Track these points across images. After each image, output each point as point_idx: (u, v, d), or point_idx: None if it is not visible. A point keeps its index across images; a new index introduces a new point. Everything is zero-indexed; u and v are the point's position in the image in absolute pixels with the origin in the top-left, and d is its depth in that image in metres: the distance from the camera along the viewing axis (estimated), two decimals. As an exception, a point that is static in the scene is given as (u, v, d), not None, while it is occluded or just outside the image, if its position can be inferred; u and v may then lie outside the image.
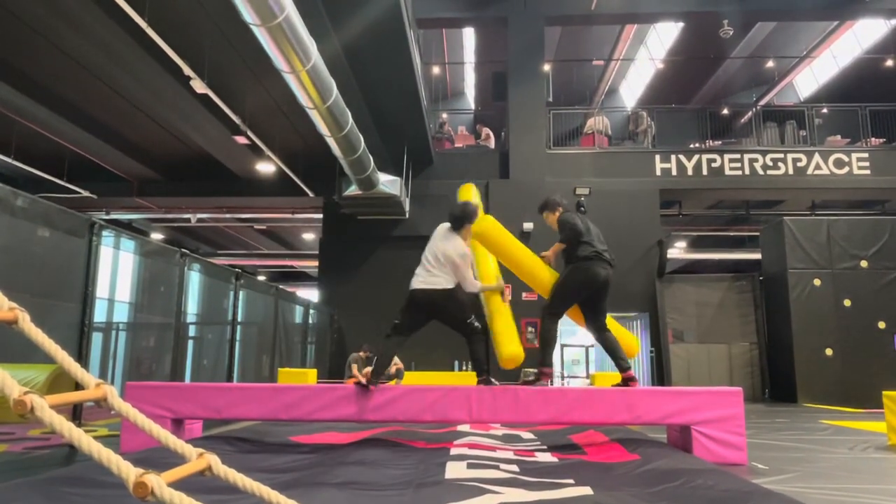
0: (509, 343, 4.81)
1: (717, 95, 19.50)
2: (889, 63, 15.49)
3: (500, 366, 4.88)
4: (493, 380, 4.64)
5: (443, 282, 4.59)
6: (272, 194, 14.81)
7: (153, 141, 13.01)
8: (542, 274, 5.10)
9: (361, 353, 9.79)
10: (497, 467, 3.65)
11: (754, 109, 15.88)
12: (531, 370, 12.16)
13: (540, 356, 4.82)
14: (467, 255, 4.70)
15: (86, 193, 14.35)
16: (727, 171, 13.96)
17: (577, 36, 18.41)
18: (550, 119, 14.43)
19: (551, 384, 4.77)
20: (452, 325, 4.70)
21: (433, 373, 11.38)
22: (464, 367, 12.66)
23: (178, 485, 1.65)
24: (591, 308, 4.90)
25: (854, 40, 16.95)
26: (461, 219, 4.78)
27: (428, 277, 4.62)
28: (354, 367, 9.51)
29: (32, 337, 1.87)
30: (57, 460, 4.02)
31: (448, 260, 4.60)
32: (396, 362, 10.21)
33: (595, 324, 4.90)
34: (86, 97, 10.91)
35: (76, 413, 5.01)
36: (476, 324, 4.62)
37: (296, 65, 6.92)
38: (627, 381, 4.64)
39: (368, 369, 9.54)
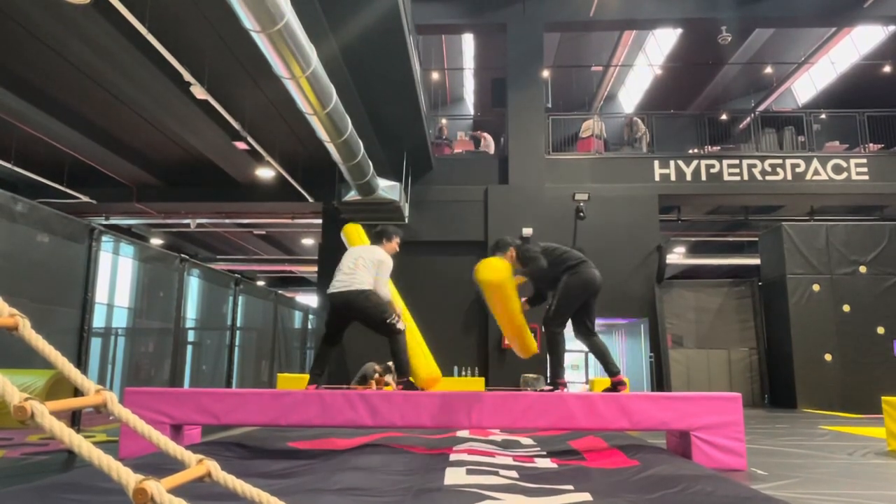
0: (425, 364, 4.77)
1: (716, 101, 19.55)
2: (887, 69, 15.55)
3: (419, 385, 4.77)
4: (416, 386, 4.73)
5: (358, 283, 4.76)
6: (272, 199, 14.81)
7: (153, 146, 13.03)
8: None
9: (377, 367, 9.63)
10: (496, 473, 3.65)
11: (753, 115, 15.92)
12: (530, 375, 12.11)
13: (552, 368, 4.82)
14: (386, 261, 4.94)
15: (85, 199, 14.35)
16: (726, 177, 13.99)
17: (575, 42, 18.46)
18: (549, 125, 14.46)
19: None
20: (372, 326, 4.80)
21: (432, 378, 11.35)
22: (463, 373, 12.66)
23: (177, 491, 1.65)
24: (584, 311, 4.93)
25: (852, 46, 17.01)
26: (380, 234, 5.22)
27: (344, 279, 4.83)
28: (372, 382, 9.38)
29: (32, 343, 1.87)
30: (55, 466, 4.02)
31: (371, 261, 4.85)
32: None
33: (585, 327, 4.93)
34: (85, 102, 10.93)
35: (75, 419, 5.00)
36: (399, 324, 4.66)
37: (295, 71, 6.94)
38: (616, 385, 4.68)
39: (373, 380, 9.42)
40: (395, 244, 5.22)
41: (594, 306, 4.98)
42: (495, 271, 4.80)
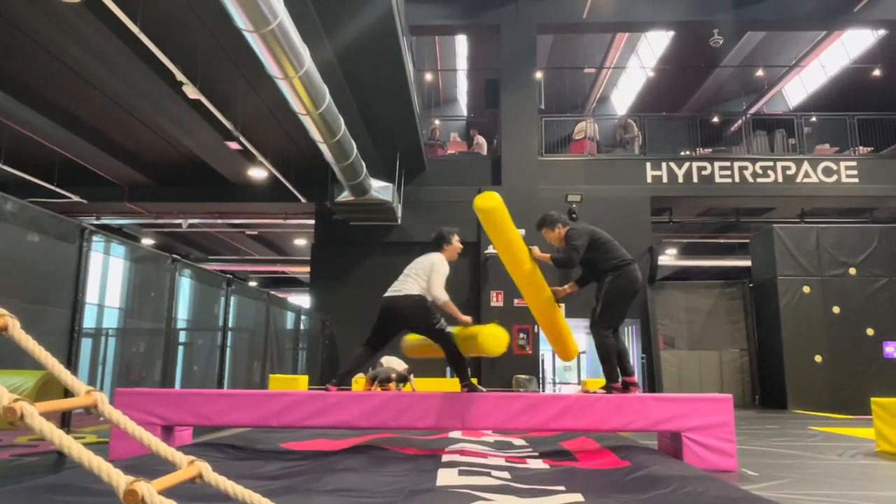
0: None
1: (708, 103, 19.65)
2: (876, 72, 15.67)
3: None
4: (479, 386, 4.67)
5: (408, 289, 4.67)
6: (264, 200, 14.78)
7: (145, 146, 12.97)
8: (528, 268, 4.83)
9: (394, 374, 9.50)
10: (488, 474, 3.65)
11: (744, 117, 16.02)
12: (522, 376, 12.00)
13: (606, 374, 4.71)
14: (438, 264, 4.74)
15: (76, 198, 14.27)
16: (717, 179, 14.06)
17: (569, 44, 18.52)
18: (542, 126, 14.50)
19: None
20: (421, 332, 4.75)
21: (426, 379, 11.35)
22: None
23: (168, 492, 1.64)
24: None
25: (842, 50, 17.14)
26: (437, 240, 4.97)
27: (396, 285, 4.76)
28: (376, 385, 9.26)
29: (22, 343, 1.86)
30: (45, 467, 3.99)
31: (422, 268, 4.72)
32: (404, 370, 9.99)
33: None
34: (77, 101, 10.86)
35: (65, 420, 4.97)
36: (448, 328, 4.63)
37: (288, 71, 6.92)
38: (628, 385, 4.68)
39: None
40: (456, 245, 4.99)
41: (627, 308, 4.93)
42: (488, 199, 4.59)
